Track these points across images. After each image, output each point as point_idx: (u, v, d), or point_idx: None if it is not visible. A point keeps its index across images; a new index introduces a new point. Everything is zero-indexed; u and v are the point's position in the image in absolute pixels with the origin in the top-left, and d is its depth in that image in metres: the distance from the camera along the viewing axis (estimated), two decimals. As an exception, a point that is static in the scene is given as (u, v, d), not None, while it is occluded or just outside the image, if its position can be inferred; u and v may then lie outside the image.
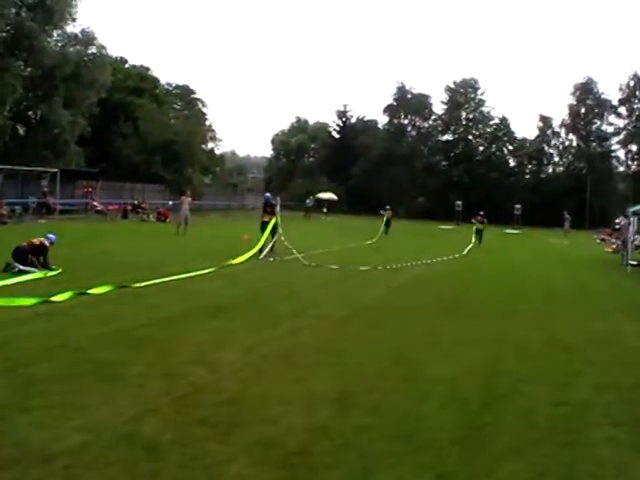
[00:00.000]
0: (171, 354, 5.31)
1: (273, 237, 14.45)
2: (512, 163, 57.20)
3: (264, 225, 14.45)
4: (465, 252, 18.52)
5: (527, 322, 7.68)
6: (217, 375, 4.81)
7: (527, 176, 55.59)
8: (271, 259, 13.35)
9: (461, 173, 54.16)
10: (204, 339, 5.93)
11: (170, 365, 4.98)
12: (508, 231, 37.97)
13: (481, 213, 24.26)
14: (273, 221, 14.43)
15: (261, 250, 13.58)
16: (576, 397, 4.72)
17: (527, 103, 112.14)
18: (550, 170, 55.78)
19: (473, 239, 22.14)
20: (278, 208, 14.79)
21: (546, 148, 55.49)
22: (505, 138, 56.83)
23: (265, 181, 67.89)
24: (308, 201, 43.24)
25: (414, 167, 56.19)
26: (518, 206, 44.82)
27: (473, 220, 23.98)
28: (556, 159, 55.85)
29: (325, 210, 47.39)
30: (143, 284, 8.80)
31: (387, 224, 26.67)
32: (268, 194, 15.83)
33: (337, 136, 64.38)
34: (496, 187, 52.19)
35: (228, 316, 7.12)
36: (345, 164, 58.21)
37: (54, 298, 7.26)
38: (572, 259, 18.76)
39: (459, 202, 47.25)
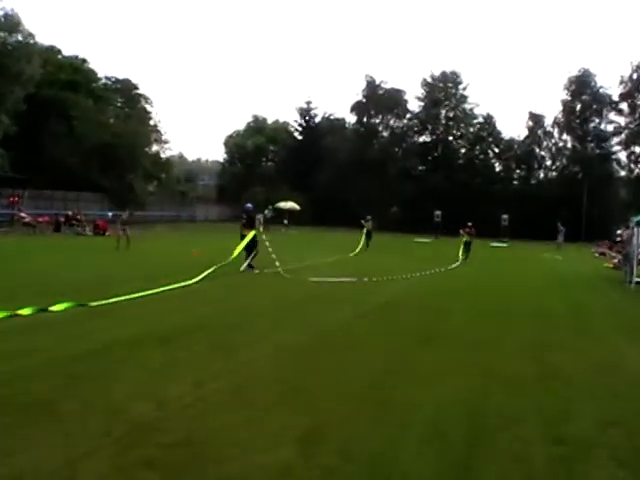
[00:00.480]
0: (111, 388, 5.31)
1: (250, 252, 15.19)
2: (498, 167, 58.25)
3: (243, 239, 15.31)
4: (452, 267, 19.43)
5: (517, 350, 7.77)
6: (164, 412, 4.81)
7: (515, 182, 56.73)
8: (257, 271, 14.84)
9: (440, 179, 54.78)
10: (149, 370, 5.95)
11: (110, 401, 4.98)
12: (495, 244, 38.76)
13: (469, 224, 25.09)
14: (251, 235, 15.14)
15: (249, 260, 15.08)
16: (575, 435, 4.71)
17: (515, 99, 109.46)
18: (541, 175, 56.69)
19: (460, 254, 22.94)
20: (260, 221, 15.58)
21: (537, 150, 56.04)
22: (490, 139, 57.55)
23: (218, 189, 67.80)
24: (267, 212, 43.19)
25: (387, 172, 56.97)
26: (505, 216, 45.90)
27: (461, 232, 24.67)
28: (548, 162, 56.49)
29: (286, 222, 47.38)
30: (62, 306, 8.78)
31: (368, 236, 27.31)
32: (249, 205, 16.45)
33: (300, 137, 64.68)
34: (480, 195, 53.00)
35: (177, 344, 7.15)
36: (309, 169, 58.68)
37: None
38: (568, 276, 19.05)
39: (438, 212, 47.99)
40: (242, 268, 14.77)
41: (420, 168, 59.54)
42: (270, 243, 16.36)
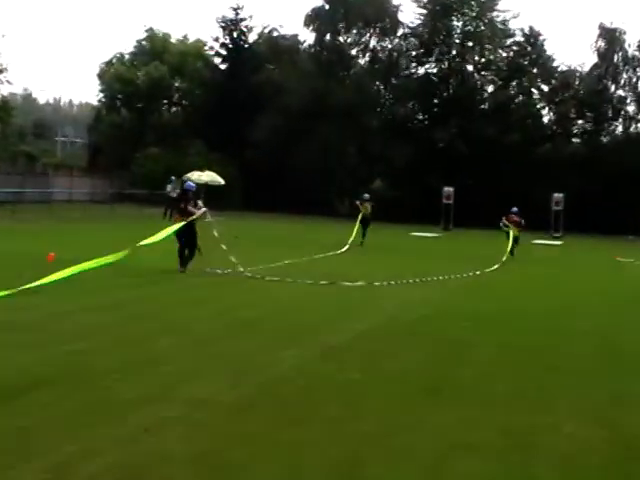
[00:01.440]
0: None
1: (192, 249, 18.78)
2: (548, 116, 60.14)
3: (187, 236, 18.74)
4: (480, 272, 22.71)
5: (577, 411, 8.06)
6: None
7: (576, 141, 58.58)
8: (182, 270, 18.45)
9: (452, 136, 55.85)
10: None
11: None
12: (540, 242, 40.02)
13: (515, 210, 28.41)
14: (179, 225, 18.18)
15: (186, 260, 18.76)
16: None
17: (577, 6, 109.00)
18: (619, 129, 58.26)
19: (508, 249, 27.25)
20: (201, 205, 19.30)
21: (612, 88, 57.44)
22: (535, 70, 58.85)
23: (89, 150, 67.59)
24: (170, 186, 42.75)
25: (365, 125, 57.98)
26: (559, 196, 47.71)
27: (505, 223, 28.16)
28: (631, 108, 57.74)
29: (200, 203, 47.23)
30: None
31: (364, 224, 31.03)
32: (191, 183, 20.26)
33: (223, 66, 65.37)
34: (517, 161, 54.23)
35: (32, 401, 7.26)
36: (239, 120, 58.98)
37: None
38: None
39: (449, 189, 49.79)
40: (182, 268, 18.44)
41: (419, 117, 60.97)
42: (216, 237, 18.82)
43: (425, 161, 55.35)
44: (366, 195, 33.10)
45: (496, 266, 24.62)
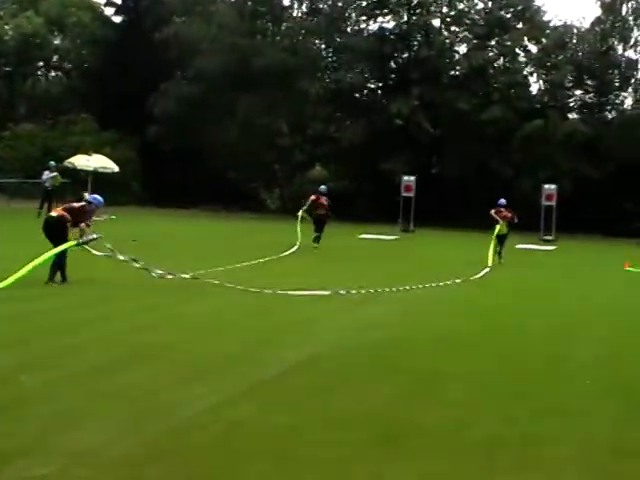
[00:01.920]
0: None
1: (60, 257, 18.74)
2: (536, 85, 61.15)
3: (52, 234, 18.91)
4: (480, 275, 24.51)
5: (574, 464, 8.05)
6: None
7: (572, 117, 59.24)
8: (55, 285, 18.58)
9: (413, 110, 56.34)
10: None
11: None
12: (527, 246, 40.39)
13: (503, 202, 30.20)
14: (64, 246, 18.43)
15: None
16: None
17: None
18: (627, 102, 59.58)
19: (491, 254, 28.69)
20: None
21: (619, 48, 58.41)
22: (520, 25, 59.76)
23: None
24: (46, 174, 42.21)
25: (302, 97, 58.45)
26: (551, 188, 48.55)
27: (494, 214, 29.89)
28: None
29: (87, 195, 46.62)
30: None
31: (318, 223, 33.49)
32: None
33: (117, 19, 66.19)
34: (497, 142, 55.23)
35: None
36: (139, 88, 58.88)
37: None
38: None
39: (409, 178, 50.39)
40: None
41: (371, 86, 61.79)
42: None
43: (379, 142, 55.64)
44: (324, 187, 34.54)
45: (479, 275, 25.41)
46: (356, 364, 11.98)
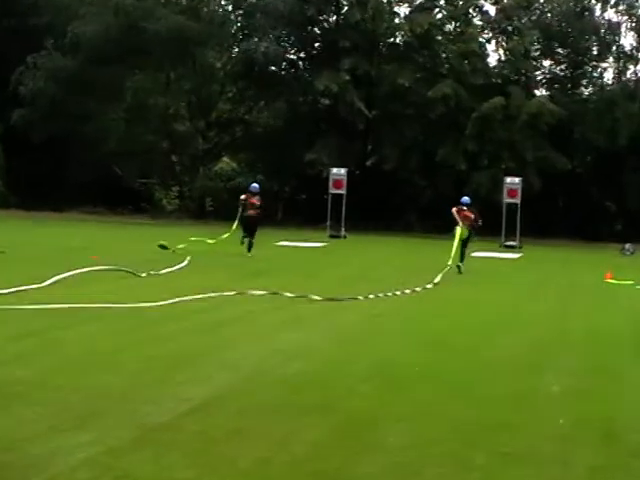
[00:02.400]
0: None
1: None
2: (494, 56, 62.06)
3: None
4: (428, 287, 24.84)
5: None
6: None
7: (540, 93, 60.27)
8: None
9: (343, 87, 56.32)
10: None
11: None
12: (485, 254, 40.41)
13: (466, 200, 30.92)
14: None
15: None
16: None
17: None
18: (607, 75, 60.90)
19: (453, 255, 30.08)
20: None
21: (596, 9, 59.28)
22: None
23: None
24: None
25: (204, 71, 58.76)
26: (514, 181, 49.08)
27: (455, 213, 30.42)
28: (627, 42, 61.87)
29: None
30: None
31: (246, 224, 34.62)
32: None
33: None
34: (446, 125, 55.93)
35: None
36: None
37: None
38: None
39: (339, 171, 50.83)
40: None
41: (292, 57, 62.22)
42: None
43: (302, 127, 56.26)
44: (255, 185, 35.72)
45: (426, 287, 25.71)
46: (274, 402, 11.77)
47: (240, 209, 35.00)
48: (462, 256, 30.82)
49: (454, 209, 30.71)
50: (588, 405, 12.92)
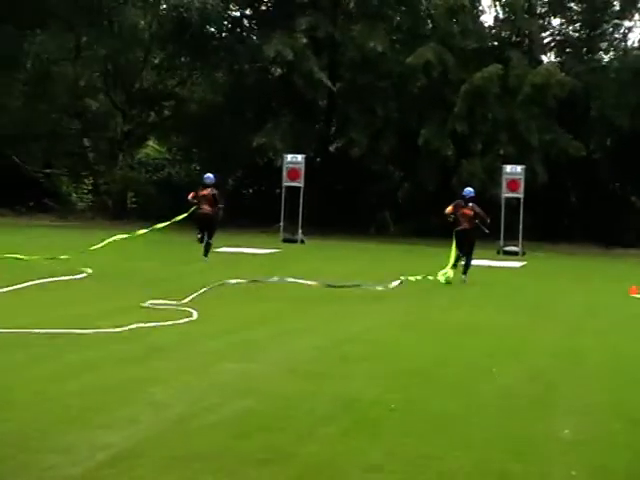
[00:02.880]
0: None
1: None
2: (491, 14, 62.75)
3: None
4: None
5: None
6: None
7: (547, 60, 60.89)
8: None
9: (302, 49, 56.51)
10: None
11: None
12: (480, 262, 39.76)
13: (470, 192, 31.18)
14: None
15: None
16: None
17: None
18: (634, 35, 63.46)
19: (452, 260, 31.27)
20: None
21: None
22: None
23: None
24: None
25: (124, 30, 58.79)
26: (515, 170, 49.37)
27: (451, 210, 30.80)
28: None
29: None
30: None
31: (206, 225, 36.07)
32: None
33: None
34: (433, 97, 56.57)
35: None
36: None
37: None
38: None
39: (295, 158, 51.18)
40: None
41: (235, 15, 62.41)
42: None
43: (248, 103, 57.13)
44: (210, 176, 36.62)
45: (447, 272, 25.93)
46: (213, 449, 11.55)
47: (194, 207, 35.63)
48: (468, 262, 31.24)
49: (448, 208, 30.81)
50: (607, 453, 12.71)
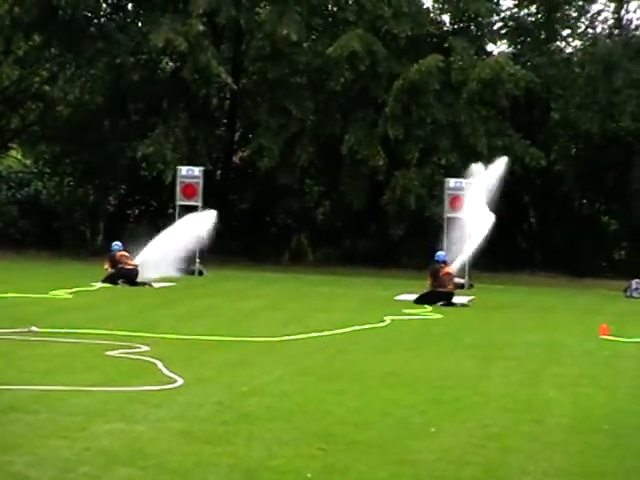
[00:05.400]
0: None
1: None
2: None
3: None
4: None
5: None
6: None
7: (498, 48, 62.76)
8: None
9: (197, 36, 56.81)
10: None
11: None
12: (406, 297, 40.33)
13: (443, 257, 34.33)
14: None
15: None
16: None
17: None
18: (598, 27, 62.66)
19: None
20: None
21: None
22: None
23: None
24: None
25: None
26: (459, 184, 49.61)
27: (434, 276, 32.74)
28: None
29: None
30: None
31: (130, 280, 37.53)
32: None
33: None
34: (358, 95, 57.76)
35: None
36: None
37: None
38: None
39: (190, 171, 51.42)
40: None
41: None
42: None
43: (132, 106, 58.79)
44: (118, 243, 39.84)
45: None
46: None
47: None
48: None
49: (430, 279, 33.03)
50: None
